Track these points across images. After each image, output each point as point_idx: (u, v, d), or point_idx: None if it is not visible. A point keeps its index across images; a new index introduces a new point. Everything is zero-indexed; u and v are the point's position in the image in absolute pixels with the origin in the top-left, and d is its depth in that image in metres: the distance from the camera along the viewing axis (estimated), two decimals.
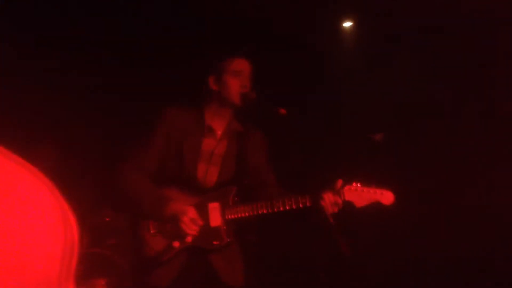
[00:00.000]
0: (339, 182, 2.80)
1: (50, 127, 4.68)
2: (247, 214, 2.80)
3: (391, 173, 3.59)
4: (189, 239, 2.76)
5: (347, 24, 5.48)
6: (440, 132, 4.64)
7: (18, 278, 1.19)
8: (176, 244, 2.76)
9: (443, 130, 4.64)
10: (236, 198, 2.86)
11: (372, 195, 2.81)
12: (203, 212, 2.79)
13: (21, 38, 4.41)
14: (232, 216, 2.81)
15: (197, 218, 2.72)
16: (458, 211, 4.39)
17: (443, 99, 4.72)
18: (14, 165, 1.21)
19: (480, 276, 4.29)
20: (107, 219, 4.69)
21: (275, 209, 2.78)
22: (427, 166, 4.49)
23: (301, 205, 2.76)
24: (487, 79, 4.61)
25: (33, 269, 1.20)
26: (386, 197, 2.83)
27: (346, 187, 2.80)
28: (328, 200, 2.74)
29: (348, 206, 2.79)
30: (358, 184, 2.82)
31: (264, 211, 2.78)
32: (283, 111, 2.87)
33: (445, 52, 4.71)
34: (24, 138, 4.10)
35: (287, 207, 2.77)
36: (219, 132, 2.95)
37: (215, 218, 2.80)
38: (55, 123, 4.71)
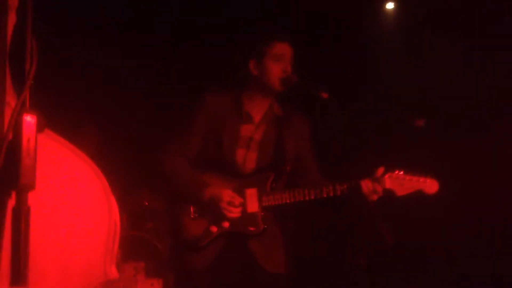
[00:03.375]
0: (380, 170, 2.75)
1: (91, 112, 4.73)
2: (284, 201, 2.78)
3: (434, 161, 3.48)
4: (226, 224, 2.76)
5: (389, 5, 5.33)
6: (485, 118, 4.47)
7: (63, 262, 1.17)
8: (214, 229, 2.76)
9: (487, 117, 4.47)
10: (273, 185, 2.83)
11: (414, 183, 2.75)
12: (240, 197, 2.78)
13: (65, 25, 4.45)
14: (269, 203, 2.79)
15: (235, 199, 2.72)
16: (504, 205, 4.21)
17: (489, 85, 4.54)
18: (62, 147, 1.20)
19: None
20: (145, 203, 4.74)
21: (312, 197, 2.75)
22: (471, 154, 4.34)
23: (339, 193, 2.73)
24: None
25: (79, 252, 1.19)
26: (430, 185, 2.76)
27: (387, 175, 2.75)
28: (367, 188, 2.70)
29: (388, 194, 2.74)
30: (401, 172, 2.76)
31: (301, 199, 2.76)
32: (325, 95, 2.82)
33: (492, 35, 4.52)
34: (68, 122, 4.17)
35: (325, 195, 2.74)
36: (257, 118, 2.92)
37: (252, 204, 2.78)
38: (96, 109, 4.77)
